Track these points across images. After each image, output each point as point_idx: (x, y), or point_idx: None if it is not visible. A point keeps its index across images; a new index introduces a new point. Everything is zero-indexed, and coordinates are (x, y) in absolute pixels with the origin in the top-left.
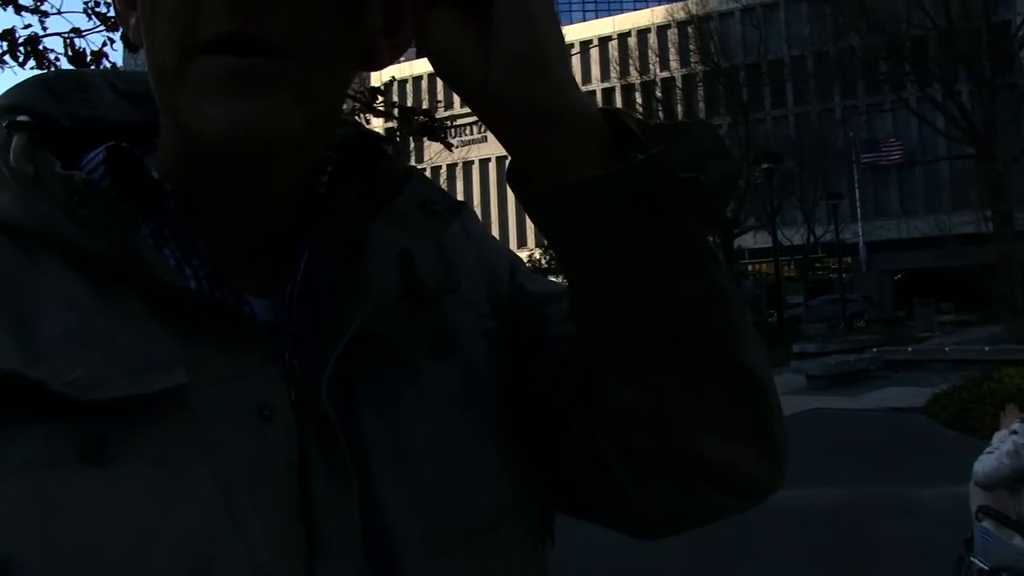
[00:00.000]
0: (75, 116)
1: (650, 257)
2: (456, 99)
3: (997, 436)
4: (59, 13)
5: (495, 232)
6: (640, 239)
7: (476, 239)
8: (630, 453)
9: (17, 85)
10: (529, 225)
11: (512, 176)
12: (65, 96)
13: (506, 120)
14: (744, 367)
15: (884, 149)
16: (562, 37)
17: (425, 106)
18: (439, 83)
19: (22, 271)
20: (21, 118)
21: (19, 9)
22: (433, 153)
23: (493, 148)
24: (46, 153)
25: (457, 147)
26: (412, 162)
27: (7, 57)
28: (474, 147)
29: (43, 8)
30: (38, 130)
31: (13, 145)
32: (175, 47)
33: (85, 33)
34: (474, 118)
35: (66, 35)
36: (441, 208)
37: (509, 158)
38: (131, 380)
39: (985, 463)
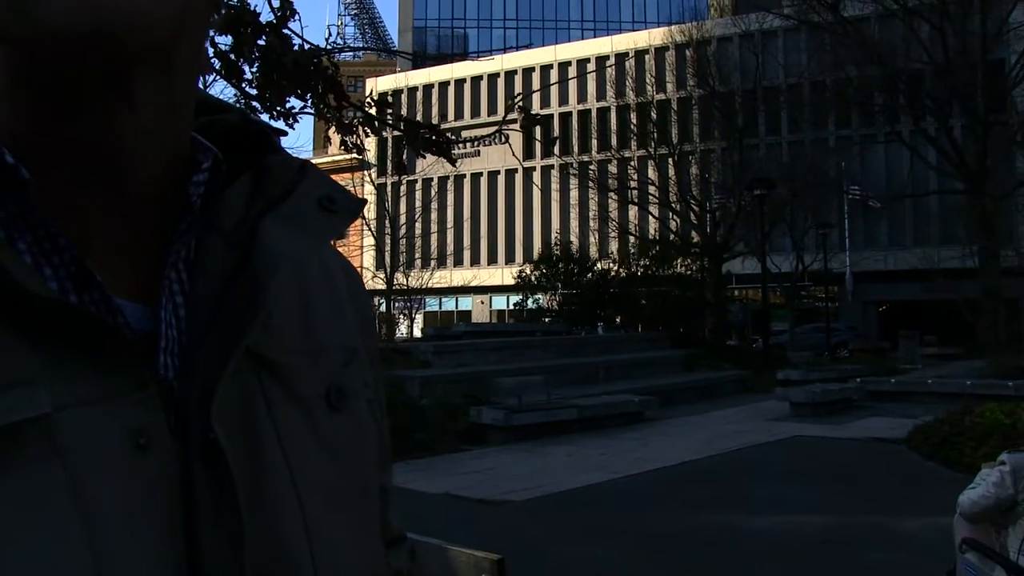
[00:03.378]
0: None
1: None
2: (451, 112)
3: (981, 475)
4: None
5: (483, 248)
6: None
7: (362, 307)
8: None
9: None
10: (519, 241)
11: None
12: None
13: None
14: None
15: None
16: None
17: (419, 116)
18: (435, 94)
19: None
20: None
21: None
22: (425, 165)
23: (485, 163)
24: None
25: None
26: (406, 174)
27: None
28: (467, 161)
29: None
30: None
31: None
32: None
33: None
34: (469, 132)
35: None
36: (340, 207)
37: (504, 172)
38: None
39: (971, 494)
